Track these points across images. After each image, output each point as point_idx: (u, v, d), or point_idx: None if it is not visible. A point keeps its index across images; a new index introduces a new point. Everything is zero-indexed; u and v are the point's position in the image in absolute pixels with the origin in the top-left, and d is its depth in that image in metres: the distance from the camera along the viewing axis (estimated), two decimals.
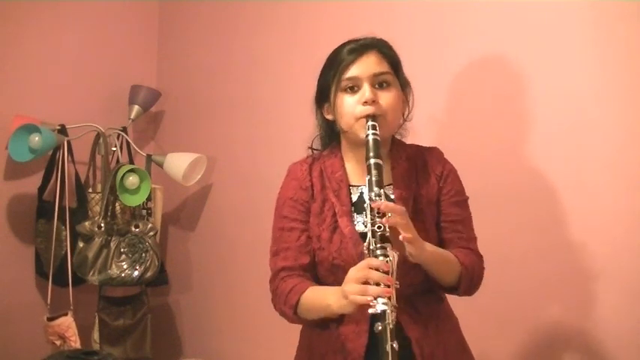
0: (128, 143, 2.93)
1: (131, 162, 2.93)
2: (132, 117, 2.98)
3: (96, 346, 2.73)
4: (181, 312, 3.13)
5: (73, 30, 2.97)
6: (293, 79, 2.61)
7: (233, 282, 2.88)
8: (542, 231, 1.97)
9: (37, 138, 2.60)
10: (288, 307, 1.55)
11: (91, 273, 2.68)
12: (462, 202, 1.64)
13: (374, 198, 1.42)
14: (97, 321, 2.77)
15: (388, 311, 1.32)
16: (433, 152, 1.67)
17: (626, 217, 1.82)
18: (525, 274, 2.01)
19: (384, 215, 1.39)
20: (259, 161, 2.77)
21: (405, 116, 1.66)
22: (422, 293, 1.55)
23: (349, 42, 1.59)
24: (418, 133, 1.74)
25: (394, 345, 1.31)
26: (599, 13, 1.85)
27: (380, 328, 1.32)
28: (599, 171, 1.86)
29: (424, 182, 1.61)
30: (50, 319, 2.67)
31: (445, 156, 1.68)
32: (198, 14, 3.08)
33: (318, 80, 1.62)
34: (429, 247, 1.47)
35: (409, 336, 1.50)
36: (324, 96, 1.61)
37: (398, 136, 1.69)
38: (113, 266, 2.70)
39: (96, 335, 2.75)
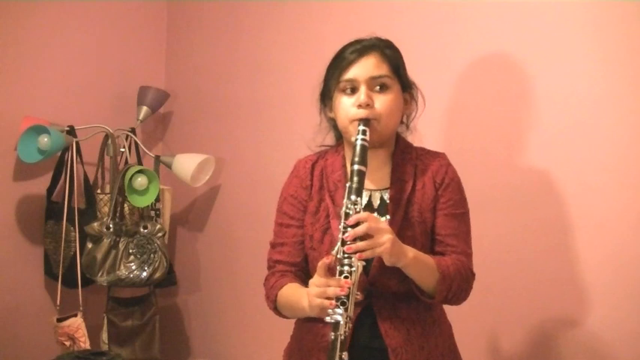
0: (137, 144, 2.94)
1: (139, 163, 2.93)
2: (140, 118, 2.98)
3: (104, 347, 2.73)
4: (190, 313, 3.13)
5: (81, 31, 2.97)
6: (302, 79, 2.60)
7: (241, 283, 2.88)
8: (544, 231, 1.96)
9: (45, 139, 2.60)
10: (270, 301, 1.60)
11: (99, 274, 2.68)
12: (460, 215, 1.58)
13: (350, 206, 1.42)
14: (105, 322, 2.78)
15: (342, 322, 1.36)
16: (438, 158, 1.63)
17: (629, 217, 1.81)
18: (527, 274, 1.99)
19: (356, 225, 1.39)
20: (267, 162, 2.76)
21: (409, 117, 1.66)
22: (408, 300, 1.54)
23: (354, 42, 1.59)
24: (420, 133, 1.72)
25: (343, 356, 1.36)
26: (602, 13, 1.83)
27: (332, 337, 1.38)
28: (601, 171, 1.85)
29: (421, 187, 1.58)
30: (60, 320, 2.67)
31: (450, 160, 1.65)
32: (206, 15, 3.07)
33: (323, 78, 1.63)
34: (411, 252, 1.44)
35: (387, 345, 1.51)
36: (327, 94, 1.62)
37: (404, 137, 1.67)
38: (122, 267, 2.71)
39: (104, 336, 2.76)
